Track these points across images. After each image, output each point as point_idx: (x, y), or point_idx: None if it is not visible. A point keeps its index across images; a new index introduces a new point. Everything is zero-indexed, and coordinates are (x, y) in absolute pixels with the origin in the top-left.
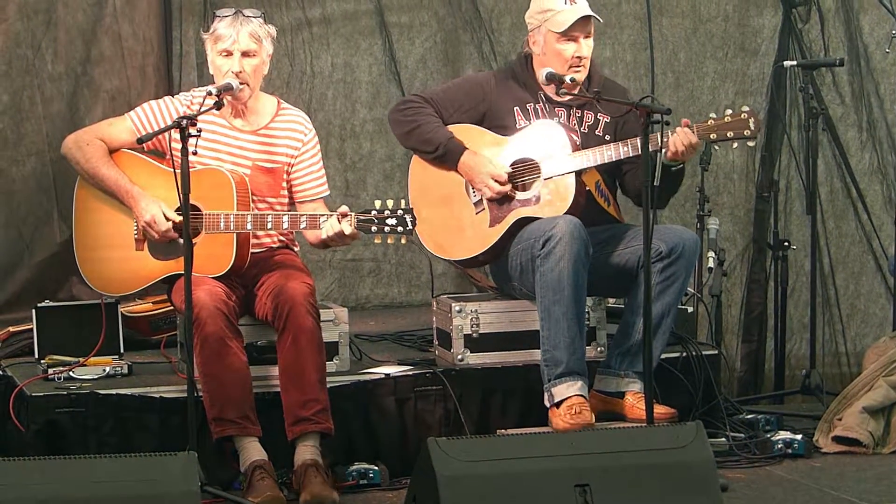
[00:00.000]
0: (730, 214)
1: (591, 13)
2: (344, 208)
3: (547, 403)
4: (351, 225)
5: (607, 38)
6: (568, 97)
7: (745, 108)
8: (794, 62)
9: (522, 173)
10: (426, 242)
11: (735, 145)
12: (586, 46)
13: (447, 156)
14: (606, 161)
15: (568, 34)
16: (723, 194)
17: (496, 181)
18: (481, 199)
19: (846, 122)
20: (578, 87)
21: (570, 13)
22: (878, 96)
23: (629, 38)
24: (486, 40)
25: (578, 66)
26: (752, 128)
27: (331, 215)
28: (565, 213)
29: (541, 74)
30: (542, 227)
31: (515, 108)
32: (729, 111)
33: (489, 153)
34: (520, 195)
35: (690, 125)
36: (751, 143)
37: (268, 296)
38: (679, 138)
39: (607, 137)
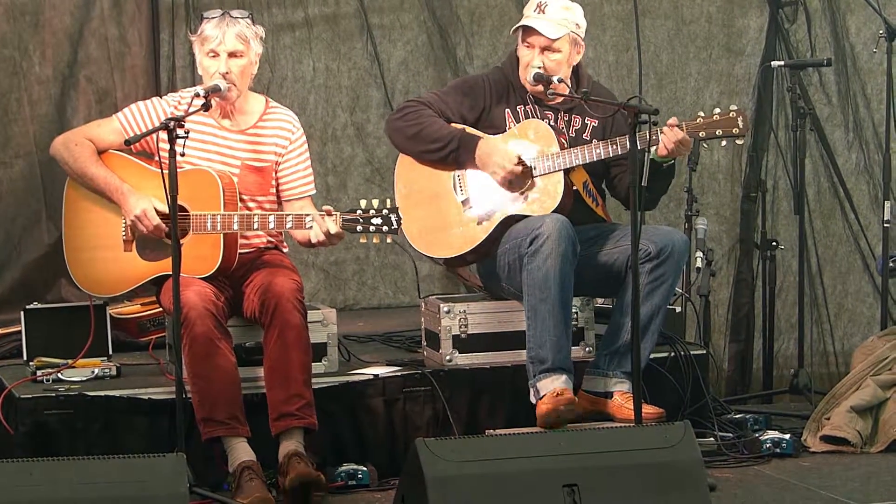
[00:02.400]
0: (715, 214)
1: (532, 25)
2: (328, 207)
3: (533, 400)
4: (336, 224)
5: (590, 39)
6: (558, 99)
7: (734, 107)
8: (782, 62)
9: None
10: (413, 241)
11: (724, 143)
12: (539, 59)
13: (462, 148)
14: (595, 159)
15: (525, 41)
16: (708, 194)
17: (510, 163)
18: (468, 198)
19: (833, 123)
20: (566, 88)
21: (524, 19)
22: (865, 96)
23: (611, 40)
24: (463, 44)
25: (534, 81)
26: (741, 126)
27: (317, 215)
28: (553, 212)
29: (528, 74)
30: (530, 225)
31: (507, 111)
32: (717, 110)
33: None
34: (508, 194)
35: (679, 123)
36: (739, 142)
37: (255, 292)
38: (668, 136)
39: (593, 142)
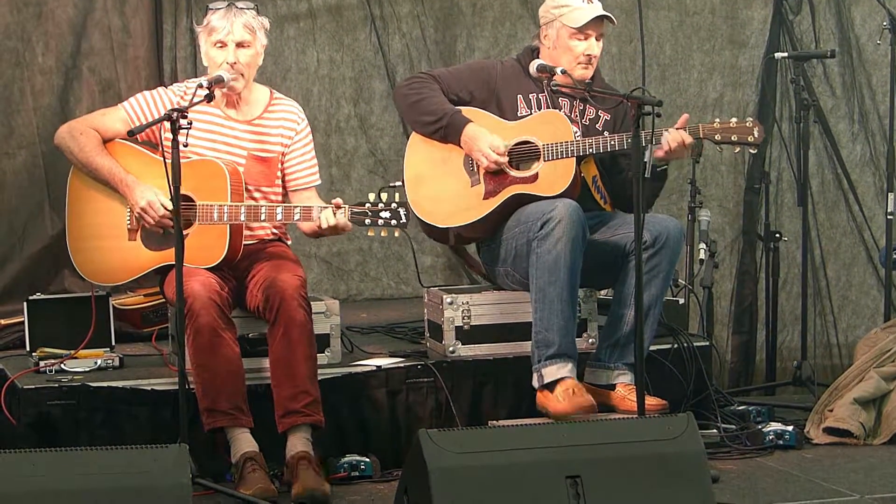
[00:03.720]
0: (718, 206)
1: (609, 14)
2: (338, 200)
3: (536, 384)
4: (346, 216)
5: None
6: (564, 90)
7: (750, 119)
8: (785, 54)
9: (523, 153)
10: (420, 213)
11: (738, 150)
12: (597, 46)
13: (450, 127)
14: (609, 150)
15: (582, 31)
16: (710, 186)
17: (493, 151)
18: (478, 175)
19: (837, 114)
20: (570, 80)
21: (587, 11)
22: (871, 88)
23: (614, 31)
24: (464, 35)
25: (587, 65)
26: (756, 135)
27: (325, 207)
28: (562, 197)
29: (532, 67)
30: (541, 209)
31: (518, 97)
32: (734, 119)
33: (493, 133)
34: (518, 173)
35: (692, 125)
36: (752, 150)
37: (259, 288)
38: (672, 136)
39: (605, 134)
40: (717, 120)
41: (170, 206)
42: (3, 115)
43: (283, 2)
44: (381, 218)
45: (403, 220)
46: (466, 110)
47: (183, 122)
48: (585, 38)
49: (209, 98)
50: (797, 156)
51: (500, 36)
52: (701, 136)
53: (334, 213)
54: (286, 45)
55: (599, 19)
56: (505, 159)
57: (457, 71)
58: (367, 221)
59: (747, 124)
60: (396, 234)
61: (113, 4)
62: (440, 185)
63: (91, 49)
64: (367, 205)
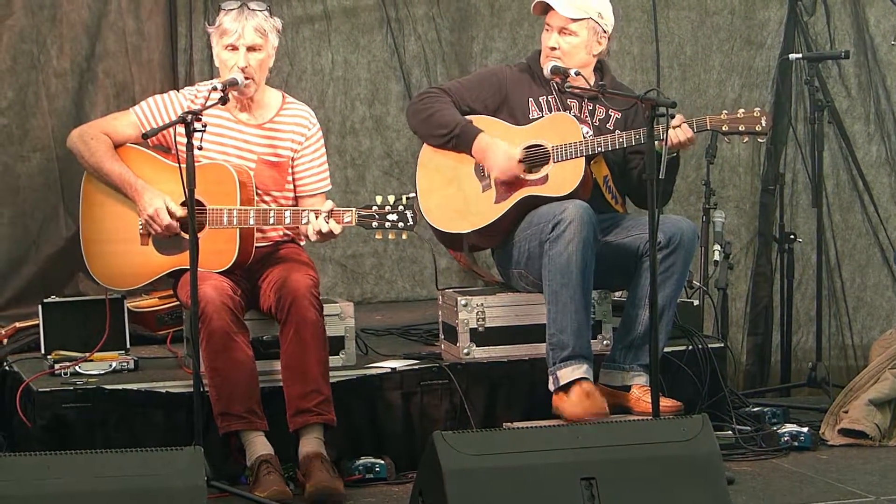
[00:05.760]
0: (735, 207)
1: (548, 1)
2: (329, 203)
3: (551, 387)
4: (351, 221)
5: (614, 31)
6: (577, 90)
7: (758, 108)
8: (800, 55)
9: (533, 157)
10: (433, 221)
11: (746, 140)
12: (558, 40)
13: (462, 137)
14: (618, 147)
15: (546, 23)
16: (728, 187)
17: (510, 161)
18: (489, 180)
19: (852, 115)
20: (583, 81)
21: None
22: (886, 88)
23: (636, 31)
24: (481, 36)
25: (549, 57)
26: (764, 125)
27: (318, 212)
28: (573, 198)
29: (546, 68)
30: (552, 210)
31: (529, 100)
32: (742, 110)
33: (502, 140)
34: (529, 176)
35: (699, 117)
36: (761, 140)
37: (271, 288)
38: (676, 131)
39: (617, 133)
40: (725, 111)
41: (178, 212)
42: (18, 117)
43: (297, 3)
44: (389, 220)
45: (411, 222)
46: (477, 119)
47: (197, 125)
48: (548, 31)
49: (223, 101)
50: (812, 157)
51: (518, 37)
52: (708, 127)
53: (327, 221)
54: (301, 46)
55: (550, 10)
56: (517, 171)
57: (467, 82)
58: (375, 224)
59: (754, 114)
60: (404, 237)
61: (127, 7)
62: (452, 192)
63: (105, 52)
64: (375, 207)
